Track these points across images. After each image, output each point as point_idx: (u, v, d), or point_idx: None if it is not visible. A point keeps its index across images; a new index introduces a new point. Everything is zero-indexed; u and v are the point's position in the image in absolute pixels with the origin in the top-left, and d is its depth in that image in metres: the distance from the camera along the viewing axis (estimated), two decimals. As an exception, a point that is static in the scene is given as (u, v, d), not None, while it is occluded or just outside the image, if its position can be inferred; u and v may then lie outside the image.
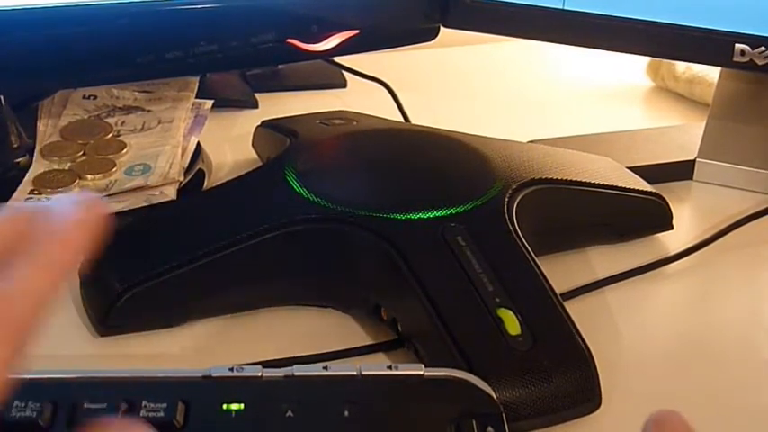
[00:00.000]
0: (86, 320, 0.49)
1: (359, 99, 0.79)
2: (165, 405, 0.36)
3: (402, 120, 0.74)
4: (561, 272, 0.53)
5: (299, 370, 0.39)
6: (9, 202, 0.26)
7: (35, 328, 0.25)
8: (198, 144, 0.64)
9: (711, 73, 0.77)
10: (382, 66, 0.81)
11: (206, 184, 0.63)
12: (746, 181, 0.66)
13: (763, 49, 0.59)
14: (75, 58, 0.55)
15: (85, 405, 0.36)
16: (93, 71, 0.57)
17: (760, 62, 0.59)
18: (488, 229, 0.50)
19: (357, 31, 0.63)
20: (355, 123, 0.63)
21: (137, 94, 0.68)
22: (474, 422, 0.37)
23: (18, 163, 0.61)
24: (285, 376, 0.39)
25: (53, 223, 0.27)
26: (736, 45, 0.59)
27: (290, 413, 0.37)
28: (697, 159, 0.67)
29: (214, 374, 0.38)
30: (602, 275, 0.55)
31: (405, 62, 0.87)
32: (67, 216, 0.27)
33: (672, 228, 0.59)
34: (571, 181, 0.56)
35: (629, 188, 0.58)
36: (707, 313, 0.54)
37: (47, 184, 0.58)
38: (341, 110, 0.67)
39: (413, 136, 0.61)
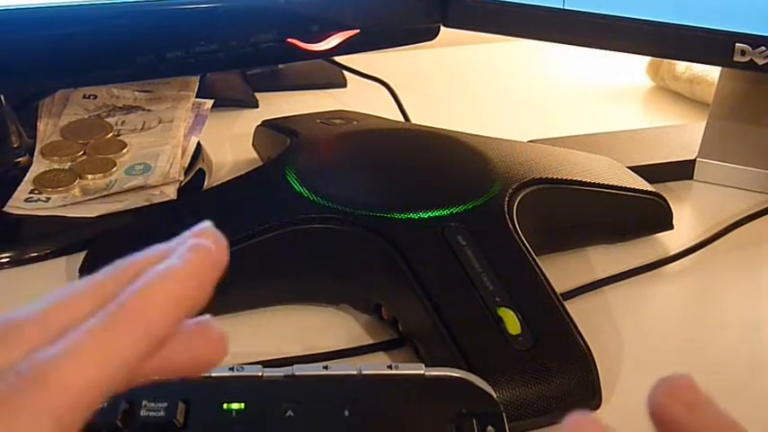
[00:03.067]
0: (86, 320, 0.49)
1: (359, 99, 0.79)
2: (165, 405, 0.36)
3: (402, 119, 0.74)
4: (561, 272, 0.53)
5: (299, 370, 0.39)
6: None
7: (92, 400, 0.21)
8: (198, 144, 0.64)
9: (712, 73, 0.77)
10: (382, 65, 0.81)
11: (206, 184, 0.63)
12: (746, 181, 0.66)
13: (763, 48, 0.58)
14: (75, 58, 0.55)
15: (86, 405, 0.36)
16: (93, 71, 0.57)
17: (760, 62, 0.59)
18: (488, 228, 0.50)
19: (357, 31, 0.63)
20: (355, 123, 0.63)
21: (137, 93, 0.68)
22: (474, 421, 0.37)
23: (18, 162, 0.61)
24: (285, 376, 0.39)
25: (145, 275, 0.23)
26: (737, 45, 0.59)
27: (290, 413, 0.37)
28: (697, 159, 0.67)
29: (214, 374, 0.38)
30: (602, 275, 0.55)
31: (405, 62, 0.87)
32: (165, 267, 0.23)
33: (672, 228, 0.59)
34: (571, 181, 0.56)
35: (630, 188, 0.58)
36: (707, 313, 0.54)
37: (47, 183, 0.58)
38: (341, 109, 0.67)
39: (413, 136, 0.61)
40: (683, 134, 0.71)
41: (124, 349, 0.21)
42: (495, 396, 0.39)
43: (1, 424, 0.19)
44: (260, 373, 0.39)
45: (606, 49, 0.64)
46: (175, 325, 0.23)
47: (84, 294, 0.23)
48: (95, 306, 0.22)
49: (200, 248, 0.23)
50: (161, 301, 0.22)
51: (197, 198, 0.59)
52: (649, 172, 0.62)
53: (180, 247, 0.23)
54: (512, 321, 0.44)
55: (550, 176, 0.55)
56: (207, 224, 0.25)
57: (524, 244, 0.49)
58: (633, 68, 0.86)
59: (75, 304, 0.23)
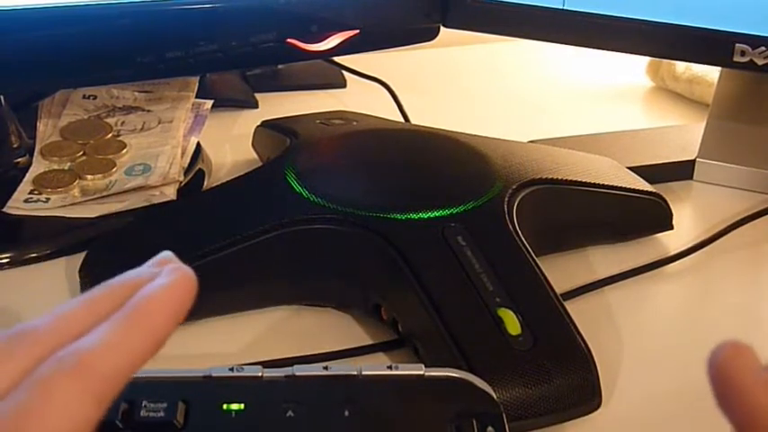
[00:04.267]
0: (86, 320, 0.49)
1: (359, 99, 0.79)
2: (165, 405, 0.36)
3: (402, 120, 0.74)
4: (561, 272, 0.53)
5: (300, 370, 0.39)
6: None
7: (120, 384, 0.25)
8: (198, 144, 0.64)
9: (711, 73, 0.77)
10: (382, 66, 0.81)
11: (206, 184, 0.63)
12: (746, 181, 0.66)
13: (763, 49, 0.59)
14: (75, 58, 0.55)
15: (85, 405, 0.36)
16: (94, 71, 0.57)
17: (760, 62, 0.59)
18: (488, 228, 0.50)
19: (357, 31, 0.63)
20: (355, 123, 0.63)
21: (137, 94, 0.68)
22: (474, 422, 0.37)
23: (18, 163, 0.61)
24: (285, 376, 0.39)
25: (144, 289, 0.27)
26: (737, 45, 0.59)
27: (290, 413, 0.37)
28: (697, 159, 0.67)
29: (214, 374, 0.38)
30: (602, 275, 0.55)
31: (405, 62, 0.87)
32: (159, 283, 0.28)
33: (672, 228, 0.59)
34: (571, 181, 0.56)
35: (630, 188, 0.58)
36: (707, 313, 0.54)
37: (47, 183, 0.59)
38: (341, 110, 0.67)
39: (413, 136, 0.61)
40: (683, 134, 0.71)
41: (138, 344, 0.26)
42: (495, 396, 0.39)
43: (53, 404, 0.24)
44: (260, 374, 0.39)
45: (606, 49, 0.64)
46: (171, 331, 0.28)
47: (85, 308, 0.27)
48: (95, 317, 0.27)
49: (180, 270, 0.28)
50: (162, 309, 0.27)
51: (197, 198, 0.59)
52: (649, 172, 0.62)
53: (162, 270, 0.29)
54: (512, 321, 0.44)
55: (550, 177, 0.55)
56: (167, 253, 0.30)
57: (524, 244, 0.49)
58: (633, 68, 0.86)
59: (78, 316, 0.27)
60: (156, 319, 0.27)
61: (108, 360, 0.25)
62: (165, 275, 0.28)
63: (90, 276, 0.50)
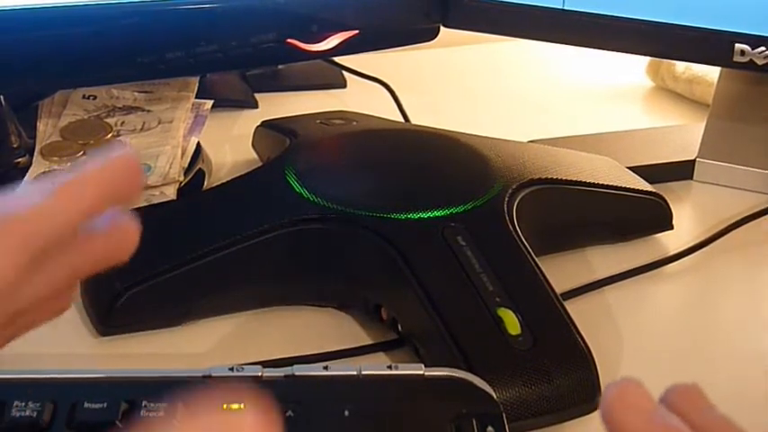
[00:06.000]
0: (86, 320, 0.49)
1: (359, 99, 0.79)
2: (165, 405, 0.36)
3: (402, 120, 0.74)
4: (561, 272, 0.53)
5: (299, 370, 0.39)
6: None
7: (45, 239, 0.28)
8: (198, 144, 0.64)
9: (711, 73, 0.77)
10: (382, 66, 0.81)
11: (206, 184, 0.63)
12: (746, 181, 0.66)
13: (763, 49, 0.59)
14: (75, 58, 0.55)
15: (85, 405, 0.36)
16: (94, 71, 0.57)
17: (760, 62, 0.59)
18: (488, 228, 0.50)
19: (357, 31, 0.63)
20: (355, 123, 0.63)
21: (136, 94, 0.68)
22: (474, 422, 0.37)
23: (18, 163, 0.61)
24: (285, 376, 0.39)
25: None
26: (736, 45, 0.59)
27: (290, 413, 0.37)
28: (697, 159, 0.67)
29: (214, 374, 0.38)
30: (602, 275, 0.55)
31: (405, 62, 0.87)
32: (98, 160, 0.30)
33: (672, 228, 0.59)
34: (571, 181, 0.56)
35: (630, 188, 0.58)
36: (707, 313, 0.54)
37: (47, 184, 0.58)
38: (341, 110, 0.67)
39: (413, 136, 0.61)
40: (683, 134, 0.71)
41: (61, 209, 0.29)
42: (495, 396, 0.39)
43: None
44: (260, 373, 0.39)
45: (606, 49, 0.64)
46: (100, 203, 0.30)
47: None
48: None
49: (122, 151, 0.30)
50: (93, 179, 0.29)
51: (197, 198, 0.59)
52: (649, 172, 0.62)
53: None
54: (512, 321, 0.44)
55: (550, 176, 0.55)
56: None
57: (524, 244, 0.49)
58: (633, 68, 0.86)
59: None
60: (85, 190, 0.29)
61: (31, 219, 0.28)
62: (103, 156, 0.30)
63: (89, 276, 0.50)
